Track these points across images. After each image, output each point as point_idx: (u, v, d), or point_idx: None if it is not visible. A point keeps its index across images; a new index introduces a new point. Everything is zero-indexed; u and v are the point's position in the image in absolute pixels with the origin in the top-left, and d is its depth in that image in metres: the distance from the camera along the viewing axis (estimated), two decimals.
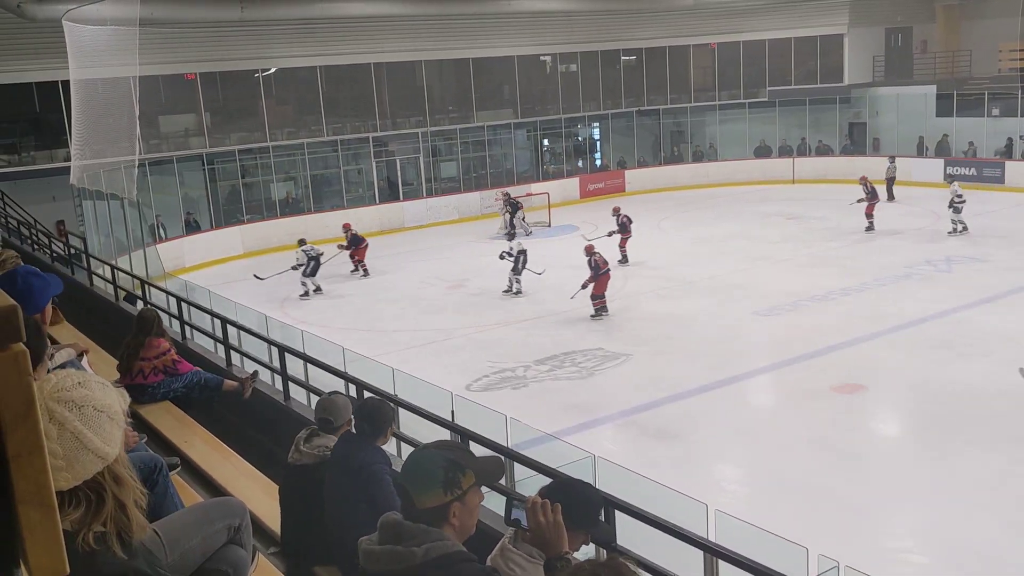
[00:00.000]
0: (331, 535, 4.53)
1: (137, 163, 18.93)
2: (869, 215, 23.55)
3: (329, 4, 25.79)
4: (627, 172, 34.31)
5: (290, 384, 7.52)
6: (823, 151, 33.61)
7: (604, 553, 4.59)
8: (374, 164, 29.93)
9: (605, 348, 15.17)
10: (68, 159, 21.24)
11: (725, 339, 15.39)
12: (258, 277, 21.11)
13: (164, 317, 9.94)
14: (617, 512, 4.39)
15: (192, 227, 26.26)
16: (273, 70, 28.28)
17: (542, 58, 33.46)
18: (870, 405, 12.60)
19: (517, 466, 5.52)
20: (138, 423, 6.37)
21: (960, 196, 22.19)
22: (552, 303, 18.28)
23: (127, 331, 7.22)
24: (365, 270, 22.30)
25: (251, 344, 9.27)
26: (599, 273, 17.24)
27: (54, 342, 5.09)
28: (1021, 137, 29.67)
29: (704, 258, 21.69)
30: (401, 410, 6.33)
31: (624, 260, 21.43)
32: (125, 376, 6.99)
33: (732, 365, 14.08)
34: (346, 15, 26.62)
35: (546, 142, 34.28)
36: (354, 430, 4.74)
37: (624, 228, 21.74)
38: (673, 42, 34.23)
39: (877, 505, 9.57)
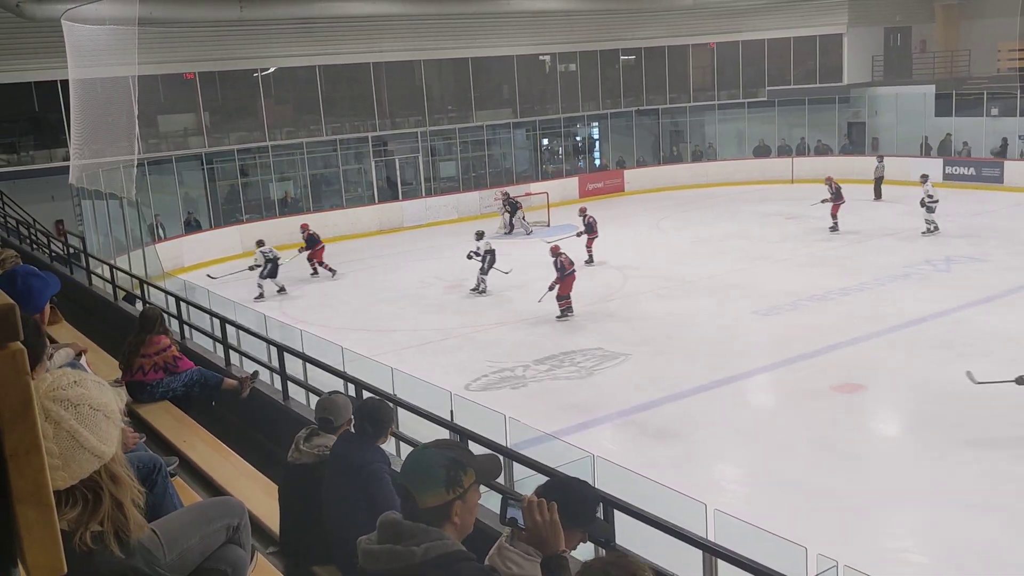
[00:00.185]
0: (330, 534, 4.53)
1: (136, 163, 18.93)
2: (834, 215, 23.71)
3: (328, 3, 25.79)
4: (626, 172, 34.31)
5: (289, 384, 7.51)
6: (822, 151, 33.62)
7: (601, 551, 4.59)
8: (373, 164, 29.93)
9: (604, 348, 15.16)
10: (67, 159, 21.23)
11: (724, 339, 15.39)
12: (211, 276, 21.04)
13: (164, 320, 9.96)
14: (616, 512, 4.39)
15: (193, 227, 26.24)
16: (272, 69, 28.28)
17: (541, 58, 33.47)
18: (870, 405, 12.60)
19: (516, 466, 5.52)
20: (137, 423, 6.37)
21: (932, 196, 22.29)
22: (551, 303, 18.26)
23: (126, 331, 7.24)
24: (330, 269, 22.07)
25: (250, 344, 9.27)
26: (565, 274, 17.19)
27: (53, 342, 5.09)
28: (1020, 137, 29.69)
29: (703, 258, 21.69)
30: (400, 410, 6.33)
31: (590, 260, 21.51)
32: (126, 373, 7.01)
33: (731, 365, 14.07)
34: (345, 14, 26.61)
35: (545, 142, 34.28)
36: (354, 430, 4.74)
37: (591, 228, 21.83)
38: (672, 42, 34.23)
39: (877, 505, 9.57)
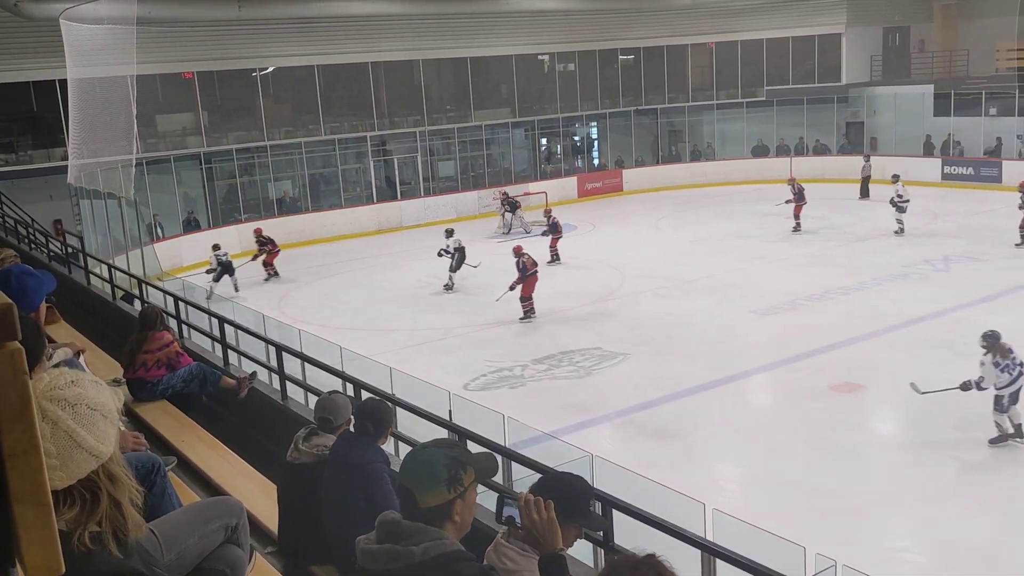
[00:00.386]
0: (329, 534, 4.53)
1: (134, 162, 18.93)
2: (797, 216, 23.87)
3: (327, 3, 25.79)
4: (625, 171, 34.32)
5: (288, 383, 7.51)
6: (820, 150, 33.64)
7: (600, 550, 4.59)
8: (372, 163, 29.92)
9: (603, 348, 15.16)
10: (65, 158, 21.21)
11: (723, 338, 15.39)
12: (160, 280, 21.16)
13: (164, 318, 9.95)
14: (615, 511, 4.38)
15: (192, 226, 26.23)
16: (271, 69, 28.27)
17: (540, 57, 33.47)
18: (869, 405, 12.60)
19: (515, 465, 5.51)
20: (136, 423, 6.37)
21: (902, 195, 22.42)
22: (549, 303, 18.27)
23: (124, 330, 7.25)
24: (275, 273, 22.20)
25: (249, 343, 9.26)
26: (527, 275, 17.18)
27: (51, 341, 5.08)
28: (1018, 136, 29.70)
29: (702, 257, 21.69)
30: (399, 409, 6.32)
31: (554, 260, 21.66)
32: (128, 370, 7.03)
33: (730, 364, 14.07)
34: (344, 14, 26.61)
35: (544, 141, 34.27)
36: (353, 429, 4.74)
37: (555, 229, 21.94)
38: (671, 42, 34.24)
39: (875, 504, 9.58)
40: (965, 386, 10.61)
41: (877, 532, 8.97)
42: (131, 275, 13.34)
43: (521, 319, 17.10)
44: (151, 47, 20.35)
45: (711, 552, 4.20)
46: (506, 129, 32.68)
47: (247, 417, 7.26)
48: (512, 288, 17.26)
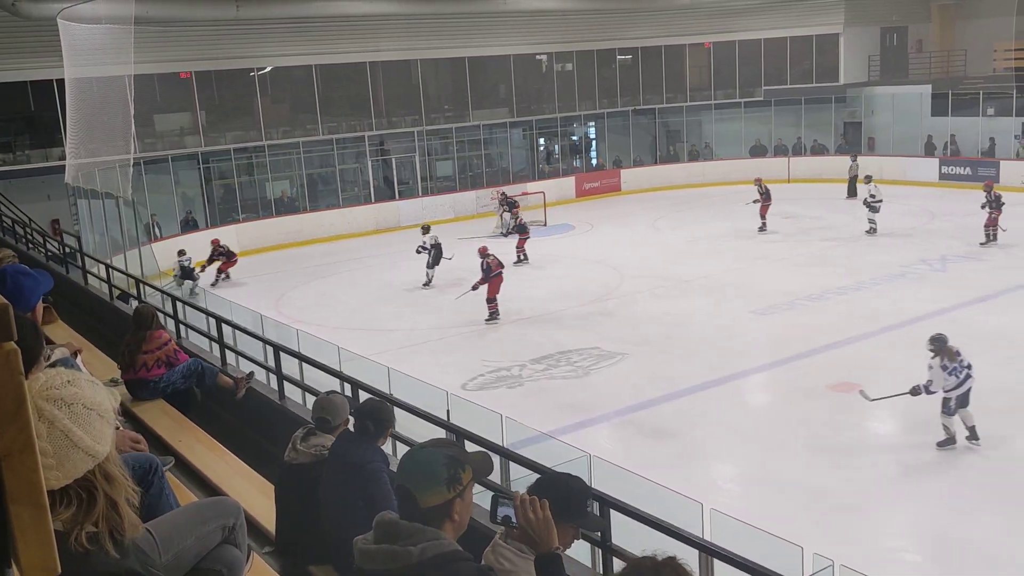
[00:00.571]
0: (327, 534, 4.52)
1: (132, 162, 18.90)
2: (763, 215, 24.09)
3: (324, 3, 25.77)
4: (623, 171, 34.32)
5: (285, 383, 7.50)
6: (818, 150, 33.65)
7: (598, 550, 4.59)
8: (370, 163, 29.91)
9: (601, 347, 15.16)
10: (63, 158, 21.19)
11: (721, 338, 15.39)
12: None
13: (159, 316, 9.93)
14: (613, 511, 4.38)
15: (190, 226, 26.21)
16: (268, 69, 28.25)
17: (538, 57, 33.47)
18: (867, 404, 12.57)
19: (513, 465, 5.51)
20: (133, 422, 6.36)
21: (875, 196, 22.65)
22: (547, 303, 18.28)
23: (122, 330, 7.23)
24: (226, 276, 22.30)
25: (246, 343, 9.25)
26: (490, 275, 17.16)
27: (49, 342, 5.07)
28: (1016, 136, 29.73)
29: (700, 257, 21.70)
30: (397, 409, 6.31)
31: (522, 260, 21.74)
32: (129, 371, 7.01)
33: (728, 364, 14.08)
34: (341, 14, 26.59)
35: (542, 141, 34.27)
36: (353, 429, 4.74)
37: (522, 229, 22.00)
38: (669, 41, 34.24)
39: (873, 504, 9.59)
40: (915, 391, 10.67)
41: (875, 531, 8.98)
42: (129, 275, 13.34)
43: (487, 320, 17.13)
44: (148, 47, 20.33)
45: (709, 552, 4.21)
46: (504, 129, 32.68)
47: (245, 417, 7.25)
48: (475, 288, 17.28)
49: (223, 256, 22.16)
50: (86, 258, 14.35)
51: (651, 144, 35.81)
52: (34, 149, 24.34)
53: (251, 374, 7.52)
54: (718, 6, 32.89)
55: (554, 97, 33.41)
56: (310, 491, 4.62)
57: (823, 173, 31.43)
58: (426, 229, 20.87)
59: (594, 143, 35.92)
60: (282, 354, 7.62)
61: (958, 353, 10.49)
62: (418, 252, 20.37)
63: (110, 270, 12.43)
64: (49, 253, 15.23)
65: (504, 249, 22.69)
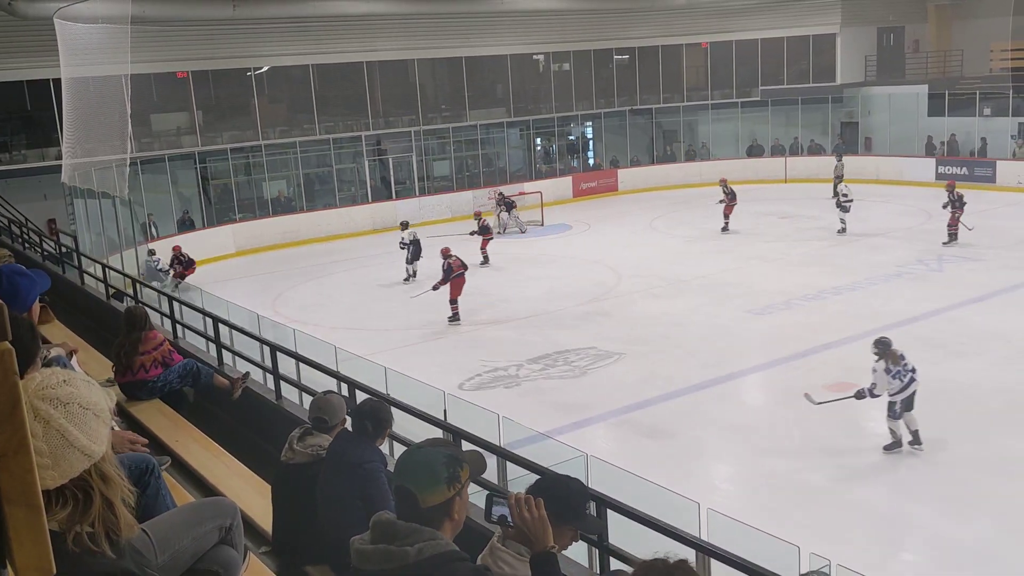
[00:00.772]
0: (324, 533, 4.52)
1: (129, 161, 18.86)
2: (726, 215, 24.35)
3: (321, 3, 25.75)
4: (620, 171, 34.33)
5: (282, 383, 7.49)
6: (815, 150, 33.68)
7: (595, 550, 4.59)
8: (367, 163, 29.90)
9: (598, 347, 15.17)
10: (59, 157, 21.15)
11: (718, 338, 15.40)
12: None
13: (156, 316, 9.93)
14: (609, 511, 4.38)
15: (187, 226, 26.19)
16: (265, 68, 28.22)
17: (535, 57, 33.47)
18: (863, 404, 12.56)
19: (510, 465, 5.51)
20: (130, 422, 6.35)
21: (847, 195, 23.07)
22: (544, 302, 18.28)
23: (119, 329, 7.19)
24: (177, 283, 22.16)
25: (243, 343, 9.24)
26: (450, 276, 17.17)
27: (45, 341, 5.06)
28: (1012, 136, 29.78)
29: (697, 257, 21.72)
30: (394, 409, 6.30)
31: (485, 261, 21.86)
32: (126, 374, 6.96)
33: (725, 364, 14.09)
34: (339, 13, 26.58)
35: (539, 141, 34.28)
36: (351, 428, 4.73)
37: (485, 230, 22.11)
38: (666, 41, 34.26)
39: (869, 504, 9.60)
40: (859, 395, 10.72)
41: (871, 531, 8.99)
42: (125, 275, 13.32)
43: (450, 319, 17.18)
44: (145, 46, 20.33)
45: (706, 552, 4.20)
46: (501, 129, 32.68)
47: (241, 417, 7.24)
48: (435, 288, 17.32)
49: (181, 264, 22.10)
50: (83, 258, 14.32)
51: (648, 144, 35.82)
52: (31, 148, 24.30)
53: (247, 374, 7.50)
54: (715, 6, 32.91)
55: (551, 97, 33.41)
56: (307, 491, 4.62)
57: (820, 173, 31.41)
58: (404, 225, 21.35)
59: (591, 143, 35.93)
60: (279, 354, 7.61)
61: (902, 357, 10.55)
62: (401, 247, 20.82)
63: (107, 270, 12.41)
64: (45, 253, 15.20)
65: (500, 249, 22.72)
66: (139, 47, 17.91)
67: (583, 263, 21.98)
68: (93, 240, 21.14)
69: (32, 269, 3.89)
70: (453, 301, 17.22)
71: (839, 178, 28.13)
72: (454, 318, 17.22)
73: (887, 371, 10.45)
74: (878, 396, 10.58)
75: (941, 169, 29.94)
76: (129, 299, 11.39)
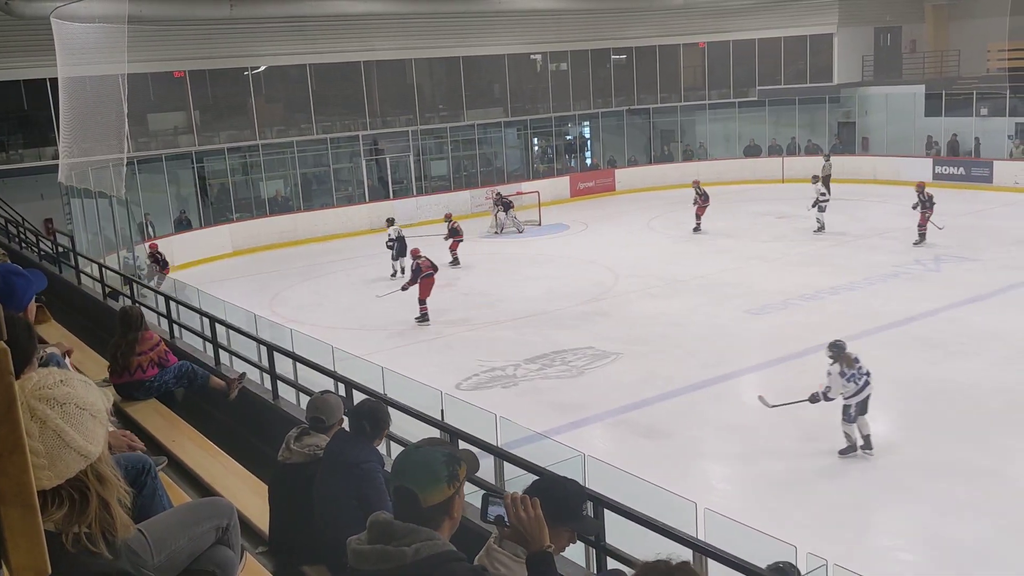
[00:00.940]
0: (321, 533, 4.52)
1: (125, 161, 18.86)
2: (698, 216, 24.58)
3: (319, 2, 25.74)
4: (617, 171, 34.34)
5: (279, 383, 7.48)
6: (812, 150, 33.70)
7: (592, 551, 4.59)
8: (364, 162, 29.89)
9: (595, 347, 15.17)
10: (56, 157, 21.14)
11: (716, 338, 15.41)
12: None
13: (152, 316, 9.92)
14: (606, 511, 4.38)
15: (184, 225, 26.16)
16: (263, 68, 28.20)
17: (532, 57, 33.46)
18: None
19: (507, 465, 5.50)
20: (126, 422, 6.34)
21: (824, 195, 23.35)
22: (542, 302, 18.28)
23: (115, 330, 7.18)
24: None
25: (240, 343, 9.23)
26: (420, 276, 17.22)
27: (42, 341, 5.05)
28: (1009, 136, 29.82)
29: (694, 257, 21.72)
30: (391, 409, 6.30)
31: (455, 262, 21.98)
32: (123, 374, 6.94)
33: (723, 364, 14.09)
34: (336, 13, 26.57)
35: (536, 141, 34.28)
36: (349, 428, 4.73)
37: (455, 232, 22.26)
38: (663, 41, 34.27)
39: (866, 503, 9.61)
40: (813, 398, 10.72)
41: (868, 531, 9.00)
42: (122, 274, 13.30)
43: (418, 319, 17.26)
44: (142, 46, 20.30)
45: (703, 552, 4.21)
46: (498, 128, 32.67)
47: (238, 417, 7.24)
48: (404, 289, 17.38)
49: (158, 264, 22.05)
50: (79, 257, 14.30)
51: (645, 144, 35.83)
52: (27, 148, 24.28)
53: (243, 375, 7.49)
54: (712, 6, 32.92)
55: (549, 97, 33.41)
56: (304, 491, 4.61)
57: (817, 173, 31.44)
58: (390, 222, 21.54)
59: (588, 143, 35.93)
60: (276, 354, 7.61)
61: (857, 360, 10.56)
62: (388, 246, 20.94)
63: (103, 269, 12.39)
64: (42, 252, 15.18)
65: (497, 249, 22.73)
66: (136, 46, 17.90)
67: (580, 263, 21.99)
68: (90, 240, 21.12)
69: (28, 269, 3.88)
70: (422, 301, 17.32)
71: (827, 177, 28.25)
72: (423, 318, 17.31)
73: (841, 374, 10.46)
74: (832, 399, 10.58)
75: (938, 169, 29.97)
76: (125, 299, 11.39)
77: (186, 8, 24.10)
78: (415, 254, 17.70)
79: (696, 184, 24.93)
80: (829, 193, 24.48)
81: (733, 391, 13.36)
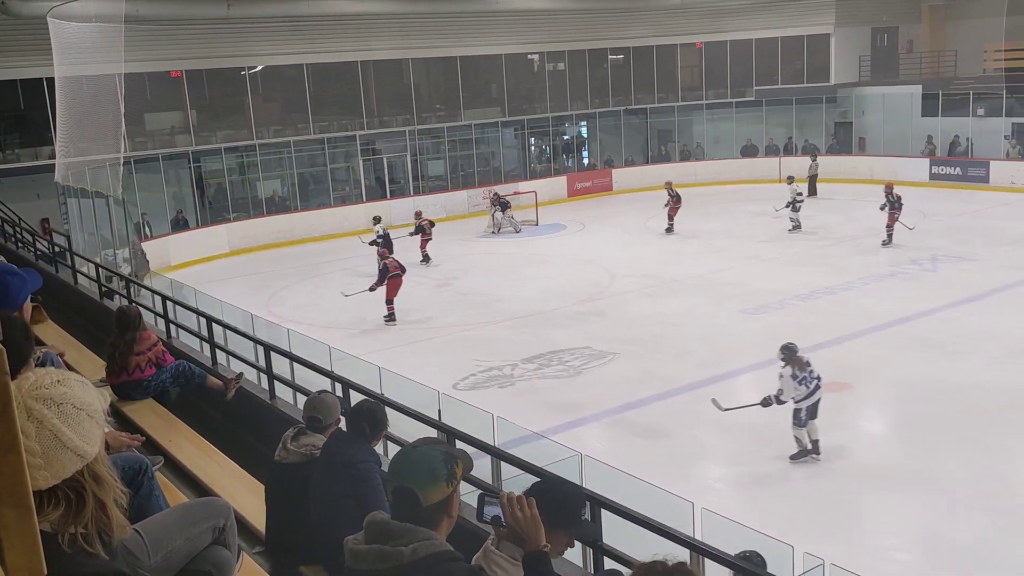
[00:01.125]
0: (318, 533, 4.51)
1: (122, 161, 18.84)
2: (671, 217, 24.83)
3: (316, 2, 25.73)
4: (614, 171, 34.35)
5: (276, 383, 7.47)
6: (809, 150, 33.72)
7: (590, 551, 4.59)
8: (361, 162, 29.87)
9: (592, 347, 15.17)
10: (53, 157, 21.11)
11: (713, 337, 15.41)
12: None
13: (149, 315, 9.90)
14: (603, 510, 4.38)
15: (181, 225, 26.14)
16: (260, 68, 28.17)
17: (530, 57, 33.46)
18: (857, 403, 12.63)
19: (504, 465, 5.50)
20: (123, 422, 6.33)
21: (800, 195, 23.70)
22: (539, 302, 18.28)
23: (111, 329, 7.16)
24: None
25: (237, 343, 9.22)
26: (387, 276, 17.26)
27: (38, 342, 5.04)
28: (1005, 137, 29.86)
29: (691, 257, 21.73)
30: (388, 409, 6.30)
31: (425, 260, 22.17)
32: (121, 374, 6.92)
33: (719, 363, 14.09)
34: (333, 12, 26.56)
35: (532, 141, 34.27)
36: (345, 428, 4.73)
37: (422, 230, 22.38)
38: (660, 41, 34.28)
39: (863, 503, 9.62)
40: (765, 401, 10.71)
41: (865, 530, 9.00)
42: (119, 274, 13.28)
43: (386, 319, 17.36)
44: (139, 45, 20.26)
45: (700, 552, 4.21)
46: (496, 128, 32.66)
47: (235, 417, 7.23)
48: (372, 289, 17.39)
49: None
50: (76, 257, 14.28)
51: (643, 144, 35.84)
52: (24, 148, 24.24)
53: (240, 375, 7.48)
54: (709, 6, 32.94)
55: (546, 97, 33.41)
56: (301, 491, 4.61)
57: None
58: (377, 220, 21.56)
59: (586, 143, 35.94)
60: (273, 354, 7.60)
61: (808, 363, 10.56)
62: (373, 244, 20.82)
63: (100, 269, 12.38)
64: (38, 252, 15.15)
65: (495, 248, 22.71)
66: (133, 46, 17.87)
67: (577, 263, 21.99)
68: (86, 240, 21.09)
69: (23, 268, 3.88)
70: (389, 302, 17.42)
71: (813, 177, 28.40)
72: (390, 318, 17.40)
73: (793, 377, 10.45)
74: (784, 403, 10.58)
75: (935, 169, 30.01)
76: (120, 297, 11.38)
77: (183, 8, 24.08)
78: (383, 255, 17.82)
79: (668, 185, 25.10)
80: (809, 193, 24.69)
81: (730, 391, 13.32)
